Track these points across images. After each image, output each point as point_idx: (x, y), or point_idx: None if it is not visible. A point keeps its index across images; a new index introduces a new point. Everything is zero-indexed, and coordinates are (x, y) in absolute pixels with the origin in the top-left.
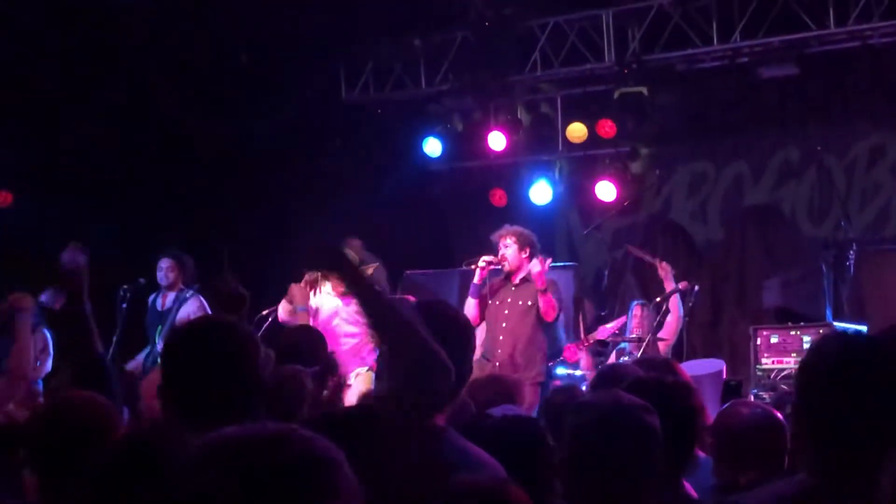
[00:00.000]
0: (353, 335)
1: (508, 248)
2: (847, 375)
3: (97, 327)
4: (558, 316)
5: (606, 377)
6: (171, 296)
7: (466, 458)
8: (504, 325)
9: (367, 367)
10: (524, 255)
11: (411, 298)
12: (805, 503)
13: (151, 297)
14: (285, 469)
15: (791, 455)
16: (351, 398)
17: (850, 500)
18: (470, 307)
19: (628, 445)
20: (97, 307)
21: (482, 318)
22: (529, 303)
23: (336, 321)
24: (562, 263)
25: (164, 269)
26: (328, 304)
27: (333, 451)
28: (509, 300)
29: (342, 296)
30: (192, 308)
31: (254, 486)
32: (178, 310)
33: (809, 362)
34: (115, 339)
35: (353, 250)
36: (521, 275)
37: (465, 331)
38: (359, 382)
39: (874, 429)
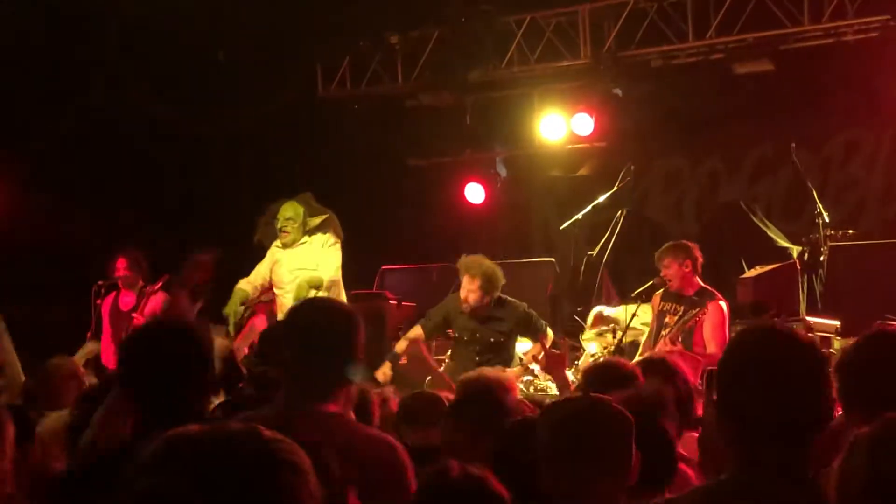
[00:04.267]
0: None
1: (472, 294)
2: (768, 370)
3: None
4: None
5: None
6: (132, 294)
7: None
8: (477, 359)
9: None
10: (486, 299)
11: (390, 295)
12: (735, 501)
13: (111, 298)
14: (243, 470)
15: (712, 455)
16: None
17: (777, 497)
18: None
19: (605, 434)
20: (75, 303)
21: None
22: (502, 339)
23: None
24: (538, 259)
25: (123, 268)
26: None
27: (297, 454)
28: (478, 335)
29: None
30: (156, 304)
31: (210, 486)
32: (143, 307)
33: (730, 359)
34: (88, 335)
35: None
36: (483, 313)
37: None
38: None
39: (797, 423)
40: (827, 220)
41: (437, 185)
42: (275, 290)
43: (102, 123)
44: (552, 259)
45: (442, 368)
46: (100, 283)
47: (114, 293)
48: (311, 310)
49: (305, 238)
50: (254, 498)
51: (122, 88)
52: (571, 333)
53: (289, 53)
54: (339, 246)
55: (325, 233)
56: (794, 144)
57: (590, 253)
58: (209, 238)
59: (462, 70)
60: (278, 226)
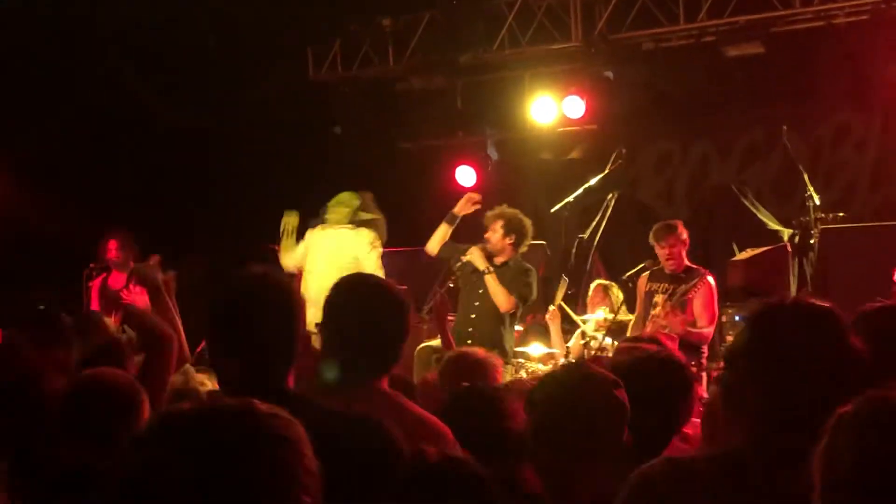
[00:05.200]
0: None
1: (495, 233)
2: (794, 346)
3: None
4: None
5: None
6: (122, 275)
7: None
8: (477, 304)
9: None
10: (508, 241)
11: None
12: (754, 470)
13: (102, 279)
14: (234, 445)
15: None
16: None
17: (796, 468)
18: (439, 232)
19: (593, 417)
20: (68, 288)
21: (441, 252)
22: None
23: None
24: (529, 242)
25: (114, 250)
26: None
27: (293, 428)
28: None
29: None
30: None
31: (206, 462)
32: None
33: (754, 335)
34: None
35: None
36: (502, 259)
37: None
38: None
39: (819, 399)
40: (818, 202)
41: (427, 168)
42: (304, 270)
43: (93, 112)
44: (543, 242)
45: None
46: (91, 265)
47: (104, 274)
48: (366, 287)
49: (351, 226)
50: (245, 472)
51: (112, 75)
52: (563, 315)
53: (280, 36)
54: (379, 248)
55: (370, 230)
56: (785, 127)
57: (581, 236)
58: (201, 221)
59: (453, 53)
60: (329, 204)
